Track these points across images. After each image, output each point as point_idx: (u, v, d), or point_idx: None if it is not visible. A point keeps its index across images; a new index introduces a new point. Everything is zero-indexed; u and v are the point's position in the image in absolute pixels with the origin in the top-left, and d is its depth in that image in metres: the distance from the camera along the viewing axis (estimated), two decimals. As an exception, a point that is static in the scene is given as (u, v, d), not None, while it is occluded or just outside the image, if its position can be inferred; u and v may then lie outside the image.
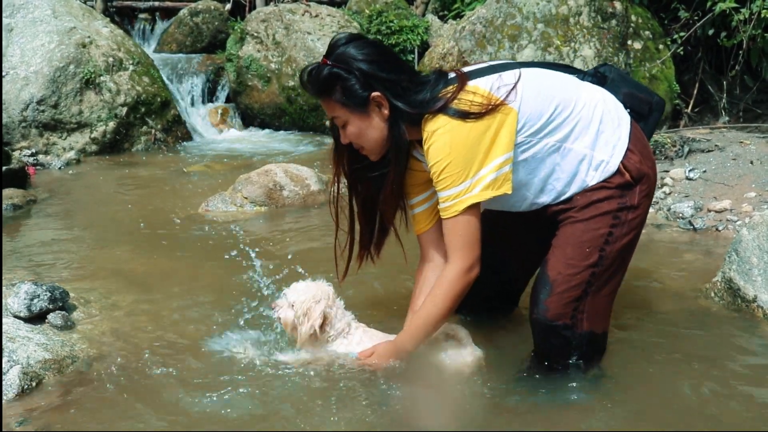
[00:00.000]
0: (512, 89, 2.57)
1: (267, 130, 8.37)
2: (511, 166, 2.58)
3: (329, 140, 7.72)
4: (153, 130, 7.89)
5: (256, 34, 8.54)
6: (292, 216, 5.02)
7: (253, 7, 10.30)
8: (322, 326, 2.82)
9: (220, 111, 8.66)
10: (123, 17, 11.42)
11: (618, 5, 6.34)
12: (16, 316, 3.19)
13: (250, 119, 8.61)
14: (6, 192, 5.53)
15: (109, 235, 4.72)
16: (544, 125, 2.62)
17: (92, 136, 7.50)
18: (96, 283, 3.76)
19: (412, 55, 9.37)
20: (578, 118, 2.65)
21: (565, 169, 2.68)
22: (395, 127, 2.63)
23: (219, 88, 8.90)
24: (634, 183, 2.70)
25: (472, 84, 2.60)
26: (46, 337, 3.10)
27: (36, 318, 3.21)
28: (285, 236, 4.66)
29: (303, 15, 8.72)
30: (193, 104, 8.74)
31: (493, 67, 2.69)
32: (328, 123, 2.88)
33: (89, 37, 7.95)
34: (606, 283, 2.75)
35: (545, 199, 2.75)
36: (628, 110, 2.81)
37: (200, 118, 8.54)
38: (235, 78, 8.57)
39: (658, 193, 5.27)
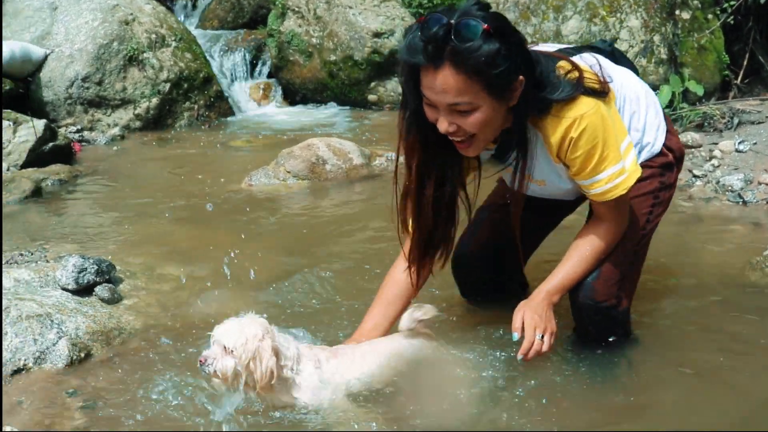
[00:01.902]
0: (601, 69, 2.46)
1: (308, 105, 8.34)
2: (636, 151, 2.60)
3: (372, 114, 7.76)
4: (195, 106, 7.93)
5: (297, 9, 8.50)
6: (336, 190, 5.02)
7: (293, -18, 10.26)
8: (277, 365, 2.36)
9: (261, 86, 8.65)
10: (165, -6, 11.47)
11: (665, -26, 6.20)
12: (64, 289, 3.24)
13: (291, 94, 8.59)
14: (52, 168, 5.60)
15: (153, 209, 4.76)
16: (620, 108, 2.58)
17: (136, 112, 7.55)
18: (142, 256, 3.80)
19: (455, 28, 9.28)
20: (631, 99, 2.64)
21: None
22: (523, 116, 2.35)
23: (260, 63, 8.88)
24: (675, 163, 2.74)
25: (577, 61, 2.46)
26: (94, 309, 3.14)
27: (83, 290, 3.25)
28: (328, 210, 4.66)
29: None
30: (234, 80, 8.74)
31: (569, 50, 2.60)
32: (403, 106, 2.41)
33: (132, 14, 7.99)
34: (642, 260, 2.78)
35: None
36: None
37: (242, 93, 8.54)
38: (276, 53, 8.55)
39: (706, 166, 5.16)
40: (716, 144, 5.41)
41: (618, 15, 5.74)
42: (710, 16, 6.41)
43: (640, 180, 2.54)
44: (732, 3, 6.37)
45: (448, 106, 2.21)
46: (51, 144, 5.90)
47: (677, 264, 3.74)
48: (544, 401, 2.52)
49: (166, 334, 3.01)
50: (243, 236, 4.01)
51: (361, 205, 4.71)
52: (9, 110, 6.36)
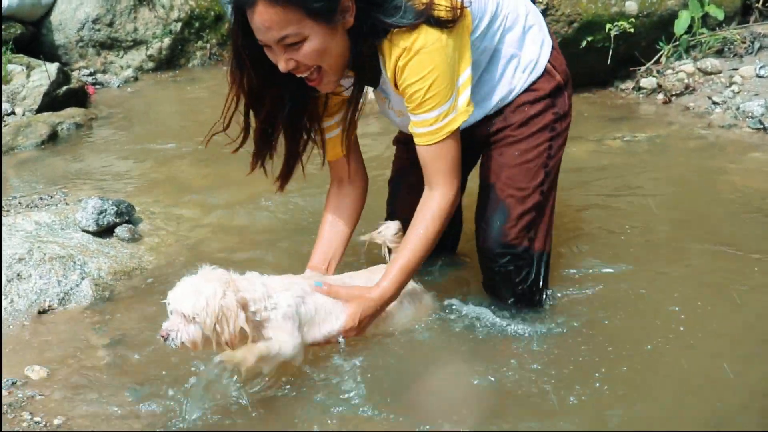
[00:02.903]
0: None
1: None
2: (469, 90, 2.32)
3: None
4: (208, 45, 7.86)
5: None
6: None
7: None
8: (248, 322, 2.12)
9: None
10: (172, -68, 11.29)
11: None
12: (84, 231, 3.27)
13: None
14: (67, 111, 5.59)
15: (170, 150, 4.76)
16: (487, 26, 2.38)
17: (148, 53, 7.50)
18: (160, 197, 3.82)
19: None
20: (506, 15, 2.44)
21: (492, 71, 2.48)
22: (359, 40, 2.20)
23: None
24: (563, 86, 2.56)
25: None
26: (115, 249, 3.17)
27: (104, 232, 3.28)
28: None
29: None
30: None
31: None
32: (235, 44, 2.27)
33: (140, -48, 7.89)
34: (552, 199, 2.62)
35: (480, 105, 2.49)
36: None
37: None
38: None
39: (726, 92, 5.08)
40: (736, 70, 5.32)
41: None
42: (730, -63, 6.23)
43: (533, 116, 2.49)
44: None
45: (277, 42, 2.11)
46: (65, 87, 5.88)
47: (699, 192, 3.72)
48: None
49: (186, 271, 3.03)
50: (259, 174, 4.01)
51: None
52: (21, 55, 6.34)
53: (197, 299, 2.04)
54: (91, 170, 4.44)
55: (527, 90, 2.52)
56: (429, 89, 2.20)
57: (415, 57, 2.16)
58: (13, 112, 5.56)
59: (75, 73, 6.72)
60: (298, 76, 2.22)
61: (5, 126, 5.21)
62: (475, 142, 2.58)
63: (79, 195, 3.90)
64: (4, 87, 5.72)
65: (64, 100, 5.81)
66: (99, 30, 7.41)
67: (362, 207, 2.70)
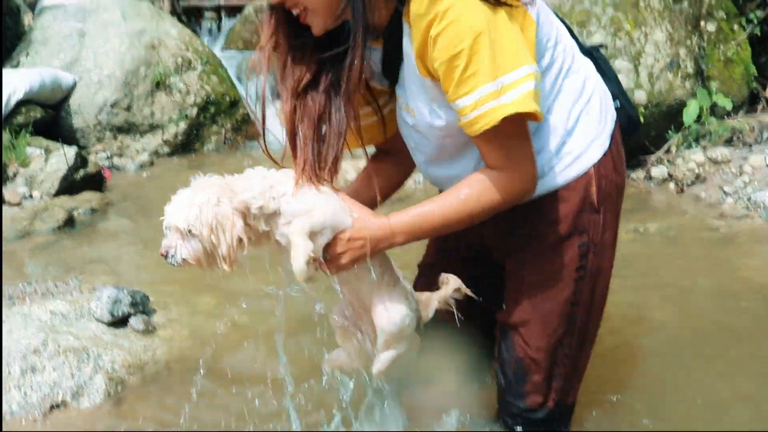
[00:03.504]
0: (530, 1, 1.86)
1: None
2: (538, 85, 1.82)
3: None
4: (223, 130, 7.99)
5: (321, 30, 8.58)
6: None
7: (317, 3, 10.32)
8: (252, 230, 1.92)
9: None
10: (190, 16, 11.60)
11: (690, -13, 6.17)
12: (99, 321, 3.28)
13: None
14: (84, 196, 5.68)
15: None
16: (549, 65, 1.96)
17: (164, 137, 7.62)
18: (175, 286, 3.83)
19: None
20: (567, 82, 2.00)
21: (536, 138, 1.97)
22: None
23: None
24: (596, 208, 2.04)
25: None
26: (129, 341, 3.17)
27: (118, 322, 3.29)
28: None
29: (367, 9, 8.70)
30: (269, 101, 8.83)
31: None
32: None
33: (158, 38, 8.08)
34: (580, 348, 2.21)
35: None
36: None
37: (269, 115, 8.62)
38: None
39: (737, 182, 5.11)
40: (746, 159, 5.36)
41: (642, 29, 5.71)
42: (736, 27, 6.36)
43: (554, 243, 2.06)
44: (758, 14, 6.32)
45: None
46: (82, 172, 5.97)
47: (711, 285, 3.72)
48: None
49: (200, 365, 3.03)
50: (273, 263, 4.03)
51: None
52: (40, 137, 6.46)
53: (190, 209, 1.88)
54: (106, 257, 4.48)
55: (560, 189, 2.03)
56: (469, 65, 1.74)
57: (452, 24, 1.72)
58: (30, 196, 5.64)
59: (92, 156, 6.83)
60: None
61: (24, 210, 5.28)
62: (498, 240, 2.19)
63: (94, 282, 3.92)
64: (23, 170, 5.82)
65: (81, 184, 5.90)
66: (117, 114, 7.55)
67: (401, 182, 2.34)
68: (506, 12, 1.76)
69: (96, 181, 6.08)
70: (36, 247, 4.72)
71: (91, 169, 6.10)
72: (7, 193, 5.50)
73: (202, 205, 1.86)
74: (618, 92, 2.18)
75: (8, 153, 5.88)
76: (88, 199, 5.61)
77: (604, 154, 2.02)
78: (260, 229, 1.93)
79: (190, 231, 1.89)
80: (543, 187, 2.00)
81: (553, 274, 2.08)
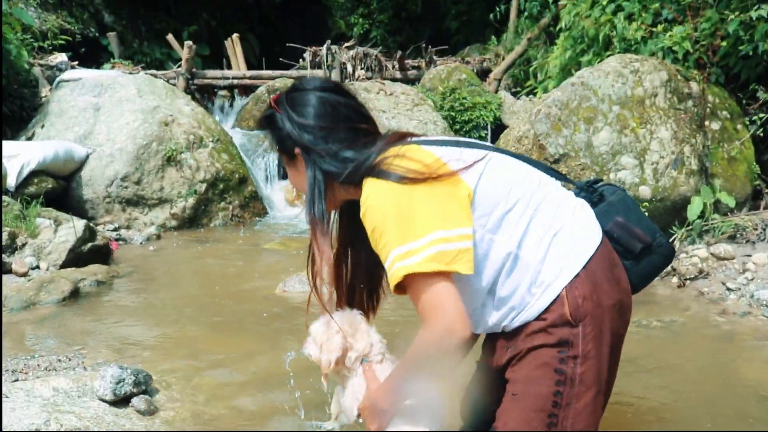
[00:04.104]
0: (469, 166, 2.18)
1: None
2: (467, 245, 2.10)
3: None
4: (231, 206, 8.08)
5: (331, 112, 8.73)
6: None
7: (328, 85, 10.53)
8: (342, 357, 2.57)
9: (294, 187, 8.83)
10: (203, 94, 11.84)
11: (694, 86, 6.30)
12: (101, 400, 3.27)
13: (323, 195, 8.74)
14: (90, 268, 5.71)
15: (189, 314, 4.82)
16: (499, 219, 2.20)
17: (172, 211, 7.72)
18: (177, 365, 3.83)
19: (485, 131, 9.48)
20: (534, 223, 2.22)
21: (512, 277, 2.21)
22: (311, 180, 2.32)
23: (295, 164, 9.10)
24: (573, 323, 2.15)
25: (423, 147, 2.22)
26: (130, 422, 3.16)
27: (120, 402, 3.28)
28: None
29: (378, 93, 8.90)
30: (268, 180, 8.94)
31: (458, 142, 2.32)
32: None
33: (171, 115, 8.25)
34: None
35: (491, 315, 2.28)
36: (615, 243, 2.33)
37: (276, 194, 8.73)
38: (310, 155, 8.74)
39: (740, 279, 5.15)
40: (749, 256, 5.41)
41: (648, 126, 5.83)
42: (740, 127, 6.49)
43: (534, 347, 2.20)
44: (761, 116, 6.46)
45: None
46: (90, 244, 6.03)
47: (711, 383, 3.71)
48: None
49: (201, 449, 3.03)
50: (278, 345, 4.05)
51: (397, 314, 4.72)
52: (50, 209, 6.54)
53: (321, 328, 2.62)
54: (109, 332, 4.48)
55: (538, 318, 2.20)
56: (381, 237, 2.13)
57: (369, 210, 2.16)
58: (37, 266, 5.68)
59: (100, 227, 6.91)
60: None
61: (30, 281, 5.31)
62: (500, 376, 2.34)
63: (96, 358, 3.93)
64: (32, 241, 5.87)
65: (89, 256, 5.95)
66: (126, 187, 7.65)
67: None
68: (428, 184, 2.12)
69: (103, 254, 6.12)
70: (40, 319, 4.73)
71: (98, 241, 6.15)
72: (15, 264, 5.54)
73: (331, 330, 2.60)
74: (632, 223, 2.36)
75: (19, 223, 5.94)
76: (94, 271, 5.64)
77: (576, 276, 2.17)
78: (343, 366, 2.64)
79: (316, 341, 2.63)
80: (522, 318, 2.22)
81: (534, 379, 2.20)
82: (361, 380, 2.58)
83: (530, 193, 2.24)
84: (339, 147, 2.29)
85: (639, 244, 2.33)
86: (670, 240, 5.71)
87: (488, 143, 2.62)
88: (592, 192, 2.42)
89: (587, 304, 2.17)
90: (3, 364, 3.82)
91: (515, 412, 2.22)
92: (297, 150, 2.31)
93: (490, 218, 2.18)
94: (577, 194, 2.42)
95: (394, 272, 2.09)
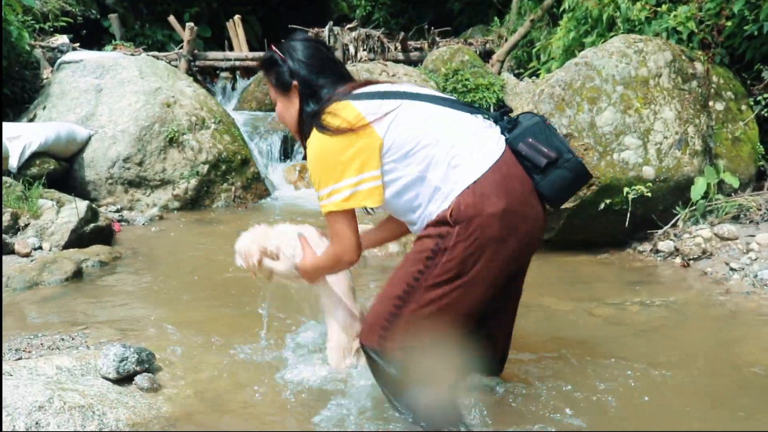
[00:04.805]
0: (381, 118, 2.77)
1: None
2: (375, 184, 2.76)
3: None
4: (233, 188, 8.07)
5: (333, 93, 8.69)
6: (371, 277, 5.05)
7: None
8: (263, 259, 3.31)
9: (297, 168, 8.82)
10: (205, 76, 11.80)
11: (699, 66, 6.26)
12: (104, 378, 3.28)
13: (326, 177, 8.71)
14: (93, 249, 5.71)
15: (192, 293, 4.82)
16: (406, 155, 2.76)
17: (174, 192, 7.71)
18: (180, 343, 3.83)
19: (488, 114, 9.43)
20: (438, 152, 2.74)
21: (421, 194, 2.79)
22: (302, 117, 2.97)
23: (296, 145, 9.07)
24: (451, 223, 2.67)
25: (351, 103, 2.80)
26: (134, 399, 3.16)
27: (123, 380, 3.29)
28: (363, 298, 4.68)
29: (380, 74, 8.86)
30: (270, 162, 8.92)
31: (384, 93, 2.85)
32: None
33: (173, 96, 8.23)
34: (411, 314, 2.76)
35: (413, 222, 2.89)
36: (524, 160, 2.78)
37: (278, 175, 8.71)
38: (312, 136, 8.71)
39: (743, 259, 5.13)
40: (753, 236, 5.39)
41: (652, 107, 5.79)
42: (744, 107, 6.45)
43: (421, 237, 2.77)
44: (766, 96, 6.42)
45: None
46: (92, 225, 6.02)
47: (714, 361, 3.71)
48: None
49: (205, 425, 3.02)
50: (282, 323, 4.05)
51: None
52: (52, 190, 6.53)
53: (242, 242, 3.38)
54: (112, 311, 4.49)
55: (434, 221, 2.75)
56: (312, 176, 2.82)
57: (308, 149, 2.84)
58: (40, 247, 5.68)
59: (102, 209, 6.89)
60: None
61: (33, 261, 5.31)
62: None
63: (100, 337, 3.93)
64: (34, 222, 5.87)
65: (91, 236, 5.95)
66: (129, 168, 7.64)
67: (400, 234, 3.34)
68: (347, 137, 2.74)
69: (105, 235, 6.12)
70: (43, 299, 4.74)
71: (101, 222, 6.14)
72: (18, 244, 5.54)
73: (246, 241, 3.37)
74: (540, 143, 2.81)
75: (21, 204, 5.93)
76: (96, 252, 5.64)
77: (466, 188, 2.68)
78: (271, 258, 3.38)
79: (240, 253, 3.36)
80: (426, 222, 2.78)
81: (408, 261, 2.80)
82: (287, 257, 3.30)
83: (437, 130, 2.76)
84: (325, 82, 2.93)
85: (544, 159, 2.77)
86: (674, 221, 5.71)
87: (417, 88, 2.97)
88: (507, 121, 2.89)
89: (468, 210, 2.66)
90: (6, 344, 3.82)
91: (389, 280, 2.84)
92: (295, 83, 2.94)
93: (401, 156, 2.76)
94: (495, 123, 2.88)
95: (321, 207, 2.80)
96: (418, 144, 2.75)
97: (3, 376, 3.16)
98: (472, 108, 2.94)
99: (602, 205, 5.55)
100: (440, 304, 2.74)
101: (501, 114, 2.92)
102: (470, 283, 2.71)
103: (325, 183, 2.76)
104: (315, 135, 2.79)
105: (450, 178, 2.71)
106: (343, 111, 2.78)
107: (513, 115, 2.96)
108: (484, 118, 2.89)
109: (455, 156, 2.72)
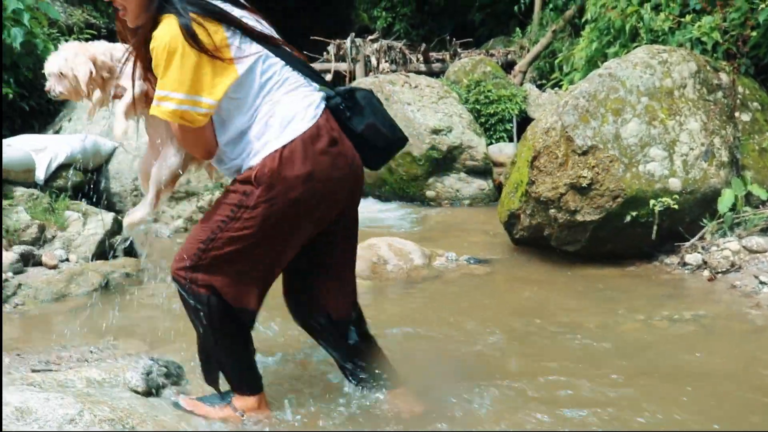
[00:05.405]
0: (244, 57, 2.78)
1: (367, 201, 8.46)
2: (211, 112, 2.78)
3: (430, 211, 7.84)
4: (257, 199, 8.10)
5: (356, 105, 8.72)
6: (396, 290, 5.06)
7: (353, 78, 10.54)
8: (97, 73, 2.94)
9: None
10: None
11: (724, 76, 6.22)
12: (133, 391, 3.29)
13: (349, 189, 8.72)
14: (119, 261, 5.75)
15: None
16: (244, 101, 2.82)
17: (199, 204, 7.74)
18: (207, 357, 3.84)
19: (511, 124, 9.42)
20: (264, 109, 2.84)
21: (238, 145, 2.86)
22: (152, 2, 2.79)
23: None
24: (254, 183, 2.80)
25: (222, 27, 2.76)
26: (162, 413, 3.17)
27: (152, 393, 3.30)
28: (388, 309, 4.69)
29: (402, 86, 8.87)
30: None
31: (251, 33, 2.85)
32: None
33: (198, 108, 8.26)
34: (217, 260, 2.93)
35: (223, 165, 2.97)
36: (364, 140, 2.96)
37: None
38: (335, 148, 8.74)
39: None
40: (779, 248, 5.34)
41: (677, 118, 5.76)
42: (770, 118, 6.41)
43: (228, 191, 2.91)
44: (793, 106, 6.37)
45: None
46: (118, 237, 6.05)
47: (743, 375, 3.67)
48: None
49: (233, 438, 3.04)
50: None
51: (422, 307, 4.73)
52: (78, 202, 6.58)
53: (58, 59, 2.95)
54: (139, 323, 4.51)
55: (242, 178, 2.87)
56: (155, 69, 2.73)
57: (156, 41, 2.70)
58: (67, 259, 5.72)
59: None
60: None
61: (60, 273, 5.35)
62: None
63: (128, 349, 3.96)
64: (61, 233, 5.91)
65: (117, 248, 5.97)
66: (154, 180, 7.68)
67: None
68: (207, 57, 2.69)
69: (131, 246, 6.14)
70: (71, 310, 4.78)
71: (126, 234, 6.17)
72: (45, 256, 5.58)
73: (67, 56, 2.94)
74: (380, 125, 3.00)
75: (48, 215, 5.98)
76: (122, 264, 5.67)
77: (274, 151, 2.81)
78: (103, 75, 2.98)
79: (61, 73, 2.93)
80: (238, 169, 2.89)
81: (219, 206, 2.93)
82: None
83: (276, 90, 2.85)
84: None
85: (383, 141, 3.01)
86: (701, 233, 5.67)
87: (277, 37, 3.03)
88: (347, 98, 2.98)
89: (271, 174, 2.79)
90: (36, 355, 3.85)
91: (201, 220, 3.02)
92: None
93: (239, 99, 2.82)
94: (332, 97, 2.96)
95: (153, 107, 2.75)
96: (259, 96, 2.84)
97: (33, 387, 3.19)
98: (319, 78, 3.06)
99: (628, 218, 5.52)
100: (237, 254, 2.92)
101: (348, 92, 3.03)
102: (266, 240, 2.90)
103: (168, 84, 2.71)
104: (170, 29, 2.69)
105: (264, 137, 2.83)
106: (213, 31, 2.73)
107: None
108: (327, 90, 3.00)
109: (274, 116, 2.84)
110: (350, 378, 3.31)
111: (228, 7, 2.87)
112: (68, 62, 2.91)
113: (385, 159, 3.15)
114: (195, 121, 2.76)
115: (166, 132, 3.00)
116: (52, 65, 2.94)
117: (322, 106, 2.93)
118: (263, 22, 3.02)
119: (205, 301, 2.99)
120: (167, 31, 2.69)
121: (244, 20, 2.87)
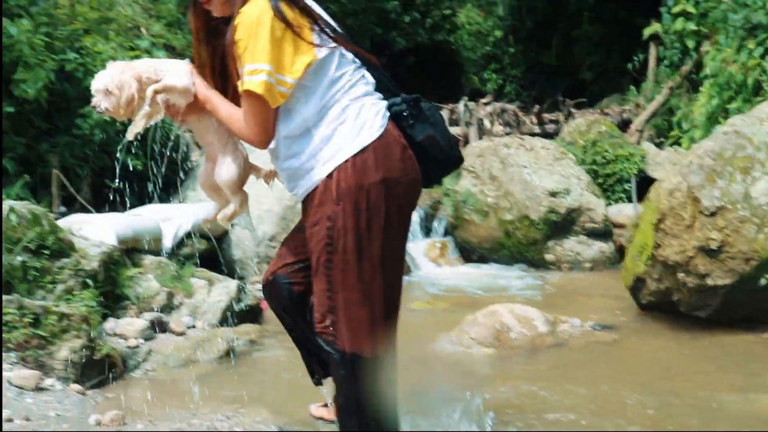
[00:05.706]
0: (321, 46, 2.78)
1: (485, 265, 8.39)
2: (282, 90, 2.74)
3: (550, 275, 7.70)
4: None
5: (472, 169, 8.74)
6: (520, 358, 4.97)
7: (467, 142, 10.59)
8: (143, 90, 2.97)
9: (438, 245, 8.83)
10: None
11: None
12: (263, 461, 3.32)
13: (467, 253, 8.69)
14: (243, 327, 5.88)
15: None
16: (315, 93, 2.80)
17: (269, 194, 7.83)
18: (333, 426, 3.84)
19: (629, 184, 9.22)
20: (334, 110, 2.82)
21: (299, 142, 2.84)
22: None
23: (436, 222, 9.11)
24: (336, 199, 2.78)
25: (316, 10, 2.84)
26: (292, 483, 3.19)
27: (283, 463, 3.32)
28: (515, 380, 4.59)
29: (518, 148, 8.84)
30: (412, 238, 8.97)
31: (334, 30, 2.87)
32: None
33: (315, 176, 8.45)
34: (350, 304, 2.86)
35: (281, 162, 2.98)
36: (423, 149, 2.92)
37: (419, 251, 8.72)
38: (452, 212, 8.76)
39: None
40: None
41: (811, 175, 5.52)
42: None
43: (314, 223, 2.85)
44: None
45: None
46: (242, 304, 6.20)
47: None
48: None
49: None
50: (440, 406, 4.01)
51: (550, 378, 4.60)
52: (203, 269, 6.78)
53: (105, 77, 2.95)
54: (265, 390, 4.57)
55: (315, 190, 2.86)
56: (245, 47, 2.72)
57: (243, 17, 2.70)
58: (194, 326, 5.87)
59: (249, 287, 7.08)
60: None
61: (187, 339, 5.50)
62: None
63: (255, 416, 4.01)
64: (187, 301, 6.08)
65: (241, 315, 6.11)
66: (274, 247, 7.85)
67: None
68: (292, 35, 2.71)
69: (254, 313, 6.28)
70: (199, 376, 4.88)
71: (250, 300, 6.31)
72: (172, 323, 5.75)
73: (113, 74, 2.95)
74: (441, 137, 2.98)
75: (175, 283, 6.18)
76: (246, 331, 5.80)
77: (346, 161, 2.78)
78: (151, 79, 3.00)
79: (107, 90, 2.93)
80: (304, 187, 2.91)
81: (316, 247, 2.87)
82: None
83: (347, 91, 2.83)
84: None
85: (441, 154, 2.97)
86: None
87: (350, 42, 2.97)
88: (413, 105, 2.96)
89: (348, 182, 2.76)
90: (167, 423, 3.94)
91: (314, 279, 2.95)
92: None
93: (310, 87, 2.80)
94: (398, 104, 2.94)
95: (245, 82, 2.73)
96: (331, 91, 2.82)
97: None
98: (393, 84, 3.04)
99: (763, 281, 5.27)
100: (358, 279, 2.84)
101: (412, 99, 3.01)
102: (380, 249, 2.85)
103: (255, 58, 2.70)
104: (262, 4, 2.71)
105: (332, 143, 2.81)
106: (300, 15, 2.76)
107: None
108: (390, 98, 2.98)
109: (345, 122, 2.82)
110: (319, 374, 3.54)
111: (316, 7, 2.91)
112: (114, 80, 2.96)
113: (441, 174, 3.12)
114: (274, 99, 2.75)
115: (218, 141, 3.10)
116: (99, 82, 3.00)
117: (388, 114, 2.93)
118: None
119: (351, 358, 2.93)
120: (258, 6, 2.70)
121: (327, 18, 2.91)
